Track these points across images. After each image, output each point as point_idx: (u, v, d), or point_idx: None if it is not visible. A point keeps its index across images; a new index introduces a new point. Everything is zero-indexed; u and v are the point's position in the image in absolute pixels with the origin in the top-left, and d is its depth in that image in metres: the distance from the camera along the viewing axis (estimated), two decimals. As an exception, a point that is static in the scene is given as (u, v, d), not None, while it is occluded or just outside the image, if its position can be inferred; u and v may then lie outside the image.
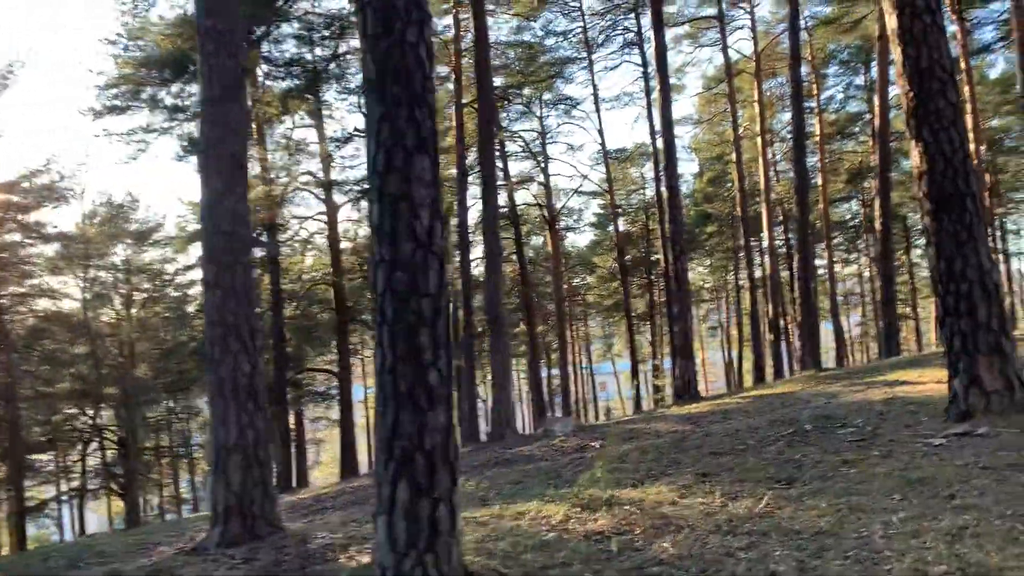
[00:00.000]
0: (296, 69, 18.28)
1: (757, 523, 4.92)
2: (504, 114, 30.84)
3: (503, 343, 13.95)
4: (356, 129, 21.75)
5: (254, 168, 21.22)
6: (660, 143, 20.94)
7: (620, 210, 43.63)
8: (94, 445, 33.37)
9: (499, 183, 30.39)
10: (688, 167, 56.97)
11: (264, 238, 20.71)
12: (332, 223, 26.97)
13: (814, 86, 32.51)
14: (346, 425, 26.51)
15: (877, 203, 23.36)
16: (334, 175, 26.32)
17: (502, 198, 31.01)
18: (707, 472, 6.44)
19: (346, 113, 21.84)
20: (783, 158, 37.15)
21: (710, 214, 40.02)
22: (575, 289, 48.10)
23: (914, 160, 6.86)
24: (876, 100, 23.63)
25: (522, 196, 35.14)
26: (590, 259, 44.14)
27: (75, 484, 33.32)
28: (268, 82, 21.97)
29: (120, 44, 19.38)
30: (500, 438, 13.48)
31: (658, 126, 18.41)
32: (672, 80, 32.52)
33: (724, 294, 50.23)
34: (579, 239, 60.56)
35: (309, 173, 26.30)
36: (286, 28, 18.69)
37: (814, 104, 32.90)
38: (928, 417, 7.18)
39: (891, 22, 6.81)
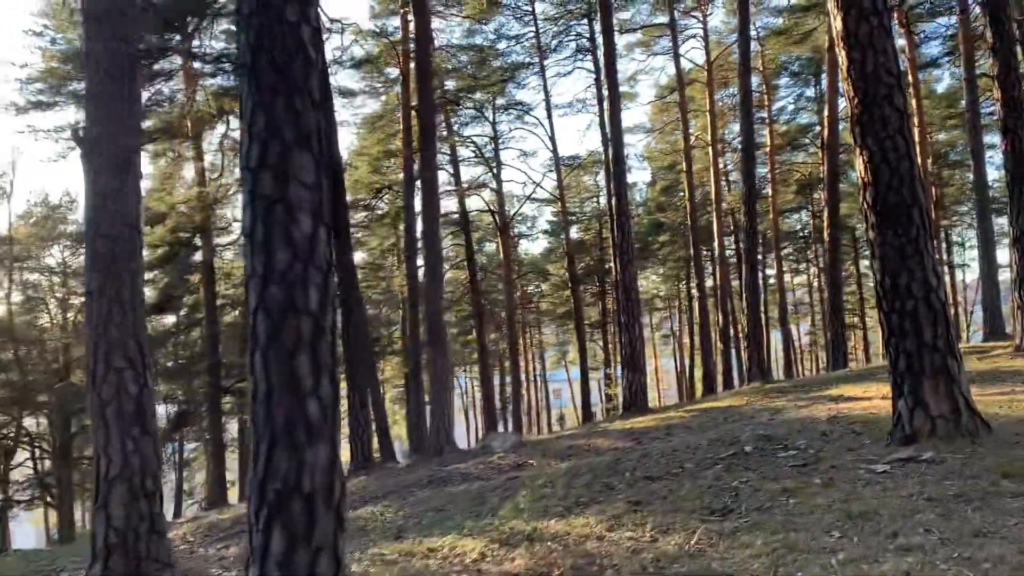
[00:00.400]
0: (226, 64, 17.50)
1: (686, 563, 4.48)
2: (456, 118, 30.36)
3: (442, 353, 13.42)
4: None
5: (188, 169, 20.39)
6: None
7: (573, 218, 43.44)
8: (24, 454, 32.00)
9: (450, 188, 29.91)
10: (641, 176, 57.12)
11: (199, 242, 19.87)
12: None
13: (765, 97, 32.63)
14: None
15: (826, 214, 23.39)
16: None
17: (454, 204, 30.55)
18: (640, 500, 6.00)
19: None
20: (734, 168, 37.30)
21: (663, 223, 39.96)
22: (529, 296, 47.74)
23: (858, 169, 6.53)
24: (826, 111, 23.68)
25: (474, 202, 34.70)
26: (543, 266, 43.82)
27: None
28: (210, 81, 21.19)
29: (47, 36, 18.46)
30: (439, 453, 12.93)
31: (609, 133, 18.07)
32: (625, 88, 32.43)
33: (677, 303, 50.34)
34: (533, 246, 60.22)
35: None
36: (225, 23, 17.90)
37: (765, 115, 33.01)
38: (872, 440, 6.84)
39: (836, 24, 6.48)
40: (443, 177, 31.00)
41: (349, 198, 28.00)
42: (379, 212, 29.03)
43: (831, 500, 5.24)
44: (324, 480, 3.55)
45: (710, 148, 29.65)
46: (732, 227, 35.05)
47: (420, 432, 22.16)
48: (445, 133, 27.82)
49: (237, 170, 24.40)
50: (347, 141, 34.41)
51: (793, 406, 11.16)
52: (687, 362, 44.89)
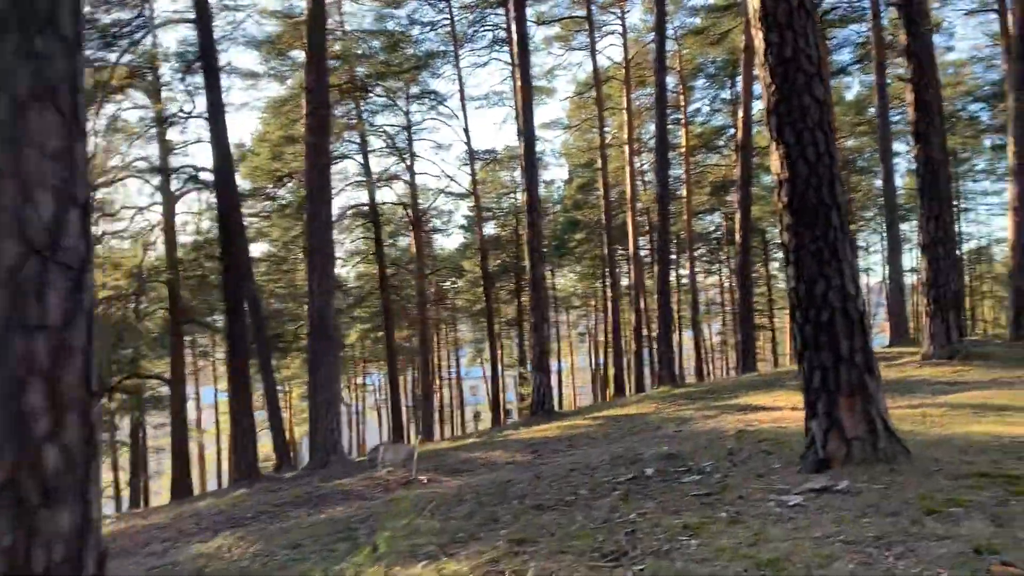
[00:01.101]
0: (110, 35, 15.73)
1: (567, 630, 3.71)
2: (367, 106, 29.15)
3: (329, 353, 12.33)
4: (182, 110, 19.53)
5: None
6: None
7: (490, 214, 42.71)
8: None
9: (360, 179, 28.74)
10: (559, 173, 56.72)
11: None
12: (169, 213, 24.47)
13: (681, 97, 32.55)
14: (179, 437, 24.13)
15: (738, 216, 23.27)
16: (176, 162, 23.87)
17: (364, 195, 29.36)
18: (524, 538, 5.21)
19: (188, 96, 19.25)
20: (650, 168, 37.31)
21: (579, 221, 39.62)
22: (443, 293, 46.82)
23: (774, 165, 5.91)
24: (740, 113, 23.56)
25: (387, 194, 33.59)
26: (459, 262, 42.97)
27: None
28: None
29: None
30: (324, 465, 11.92)
31: (522, 126, 17.30)
32: (542, 82, 31.85)
33: (594, 301, 50.25)
34: (448, 241, 59.40)
35: (144, 159, 23.74)
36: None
37: (681, 116, 32.96)
38: (782, 463, 6.25)
39: (753, 3, 5.83)
40: (353, 167, 29.86)
41: (249, 185, 26.55)
42: (282, 202, 27.56)
43: (738, 541, 4.56)
44: (67, 553, 2.60)
45: (626, 147, 29.29)
46: (647, 227, 34.96)
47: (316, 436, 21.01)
48: (355, 121, 26.63)
49: (129, 149, 22.74)
50: (251, 126, 32.65)
51: (701, 416, 10.65)
52: (602, 361, 44.77)
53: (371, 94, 27.46)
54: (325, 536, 6.04)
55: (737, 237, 23.67)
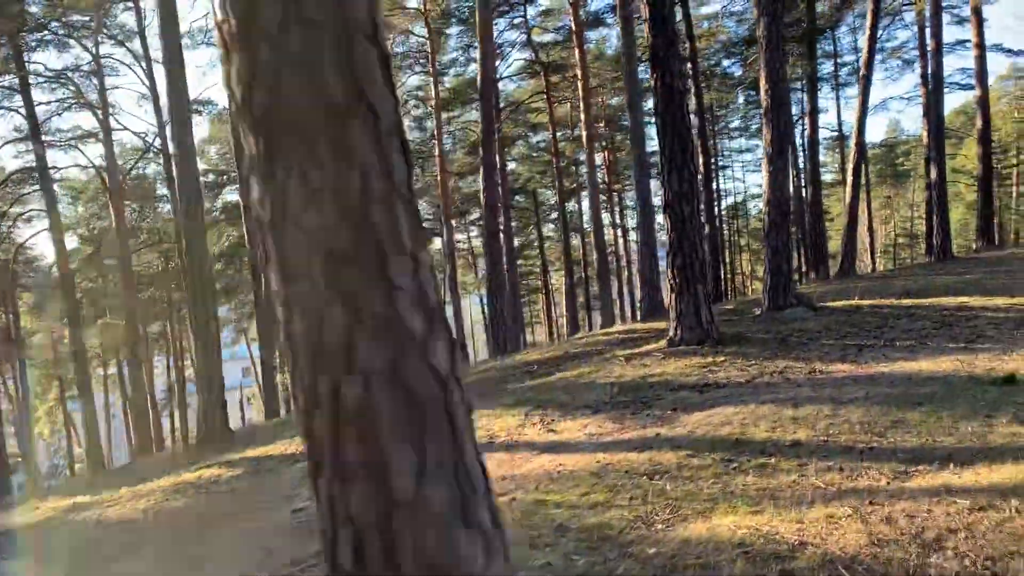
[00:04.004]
0: None
1: None
2: (38, 46, 23.06)
3: None
4: None
5: None
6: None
7: (227, 178, 37.39)
8: None
9: (20, 136, 22.78)
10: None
11: None
12: None
13: (430, 44, 28.97)
14: None
15: (481, 176, 20.23)
16: None
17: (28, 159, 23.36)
18: None
19: None
20: (415, 125, 33.67)
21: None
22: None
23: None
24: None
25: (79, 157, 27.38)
26: (191, 237, 37.14)
27: None
28: None
29: None
30: None
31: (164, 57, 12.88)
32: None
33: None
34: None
35: None
36: None
37: (430, 67, 29.41)
38: None
39: None
40: (17, 123, 23.79)
41: None
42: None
43: None
44: None
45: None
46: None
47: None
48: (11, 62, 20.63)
49: None
50: None
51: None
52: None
53: (30, 28, 21.42)
54: None
55: (481, 199, 20.63)
